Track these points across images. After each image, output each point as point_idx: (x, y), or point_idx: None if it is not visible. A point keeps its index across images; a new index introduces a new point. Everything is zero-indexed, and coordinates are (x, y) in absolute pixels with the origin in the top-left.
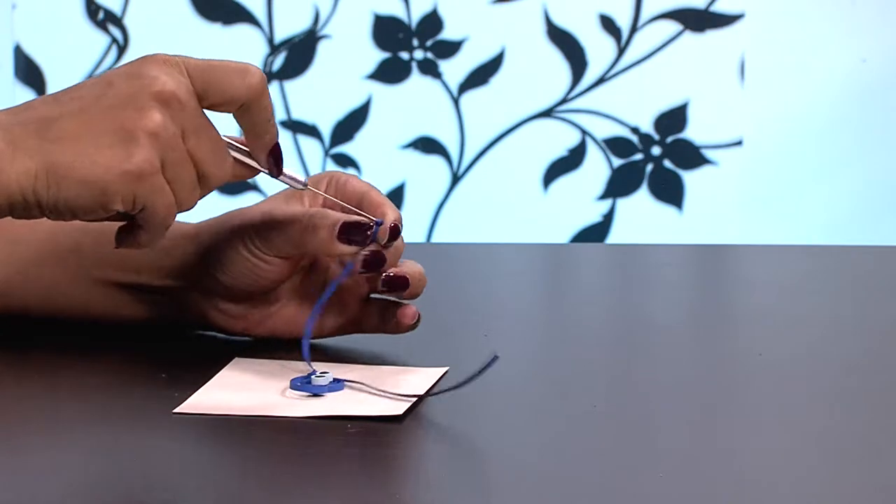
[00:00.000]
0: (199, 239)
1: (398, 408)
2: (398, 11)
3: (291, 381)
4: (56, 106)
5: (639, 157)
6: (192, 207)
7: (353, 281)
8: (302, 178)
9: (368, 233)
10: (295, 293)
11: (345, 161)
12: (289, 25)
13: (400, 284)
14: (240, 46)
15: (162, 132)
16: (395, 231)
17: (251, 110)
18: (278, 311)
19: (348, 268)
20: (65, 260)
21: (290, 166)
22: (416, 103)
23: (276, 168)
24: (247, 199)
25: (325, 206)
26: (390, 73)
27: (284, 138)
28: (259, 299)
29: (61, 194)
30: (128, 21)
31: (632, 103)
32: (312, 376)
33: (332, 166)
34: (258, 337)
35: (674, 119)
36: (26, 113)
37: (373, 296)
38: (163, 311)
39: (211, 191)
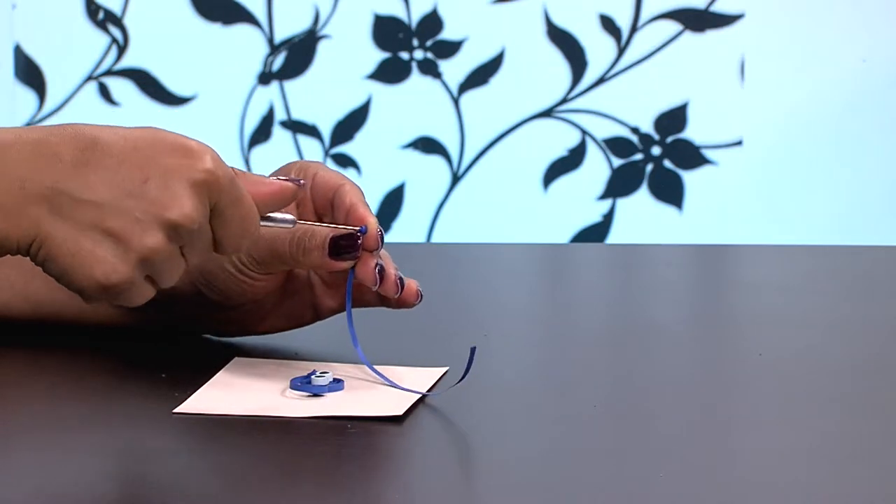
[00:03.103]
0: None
1: (398, 408)
2: (398, 11)
3: (291, 381)
4: (79, 179)
5: (639, 157)
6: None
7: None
8: (290, 217)
9: (358, 241)
10: (287, 291)
11: (345, 161)
12: (289, 25)
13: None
14: (240, 46)
15: (156, 258)
16: (381, 237)
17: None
18: (274, 310)
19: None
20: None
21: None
22: (416, 103)
23: None
24: None
25: (302, 213)
26: (390, 73)
27: (284, 138)
28: (252, 306)
29: (45, 266)
30: (128, 21)
31: (632, 103)
32: (312, 376)
33: (332, 166)
34: (259, 334)
35: (674, 119)
36: (48, 174)
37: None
38: (154, 318)
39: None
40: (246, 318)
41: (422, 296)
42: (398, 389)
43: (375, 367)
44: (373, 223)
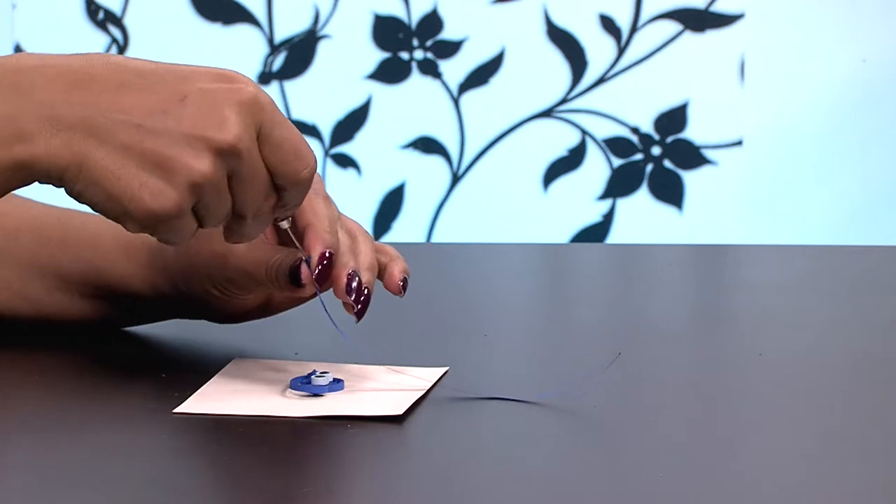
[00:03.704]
0: (172, 279)
1: (398, 408)
2: (398, 11)
3: (291, 381)
4: (116, 100)
5: (639, 157)
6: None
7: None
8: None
9: (308, 273)
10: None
11: (345, 161)
12: (289, 25)
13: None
14: (240, 46)
15: (205, 183)
16: (324, 269)
17: (288, 192)
18: (272, 298)
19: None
20: (46, 277)
21: None
22: (416, 103)
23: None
24: None
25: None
26: (390, 73)
27: None
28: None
29: (86, 194)
30: (128, 21)
31: (632, 103)
32: (312, 376)
33: (332, 166)
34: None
35: (674, 119)
36: (85, 93)
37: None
38: (143, 314)
39: (257, 226)
40: (246, 311)
41: (406, 282)
42: (399, 386)
43: (375, 366)
44: (316, 252)
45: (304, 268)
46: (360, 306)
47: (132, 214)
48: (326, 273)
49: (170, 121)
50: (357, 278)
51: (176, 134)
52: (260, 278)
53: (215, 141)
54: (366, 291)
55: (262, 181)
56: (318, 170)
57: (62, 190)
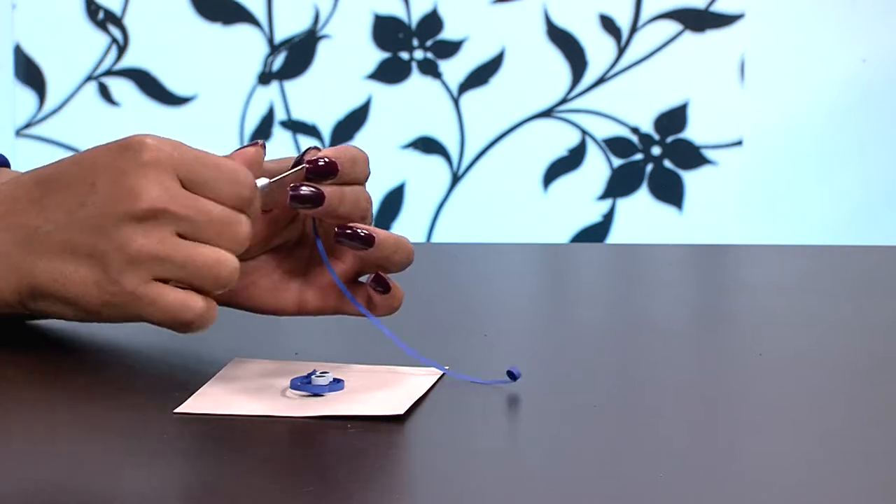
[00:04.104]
0: None
1: (399, 407)
2: (398, 11)
3: (291, 381)
4: (41, 214)
5: (639, 157)
6: (226, 285)
7: (341, 260)
8: (264, 182)
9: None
10: (277, 267)
11: None
12: (289, 25)
13: (357, 237)
14: (240, 46)
15: (140, 256)
16: (323, 167)
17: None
18: (259, 280)
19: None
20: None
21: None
22: (416, 103)
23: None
24: None
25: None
26: (390, 73)
27: (284, 138)
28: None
29: (46, 308)
30: (128, 21)
31: (632, 103)
32: (312, 376)
33: None
34: (241, 307)
35: (674, 119)
36: (13, 218)
37: (360, 279)
38: None
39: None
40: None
41: (371, 236)
42: (400, 386)
43: (375, 366)
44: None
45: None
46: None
47: (91, 309)
48: (322, 168)
49: (89, 211)
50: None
51: (100, 221)
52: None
53: (134, 212)
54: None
55: (214, 212)
56: None
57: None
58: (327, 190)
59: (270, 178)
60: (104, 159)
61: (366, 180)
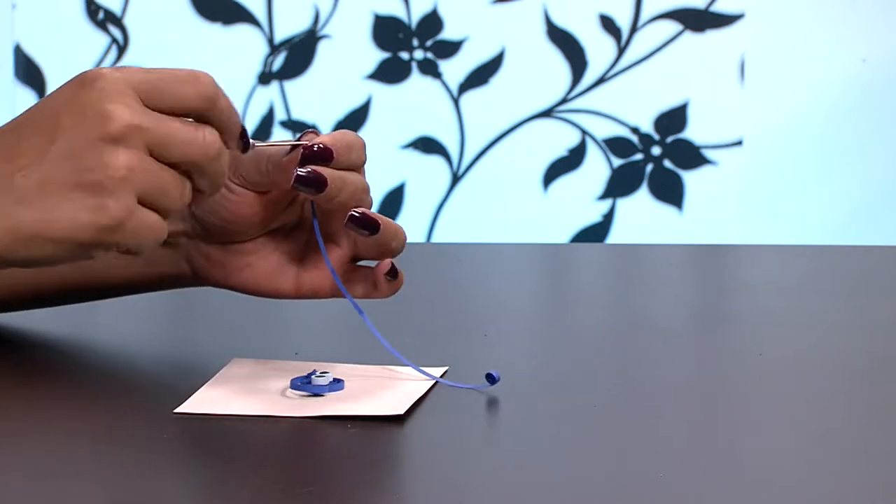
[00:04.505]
0: None
1: (398, 407)
2: (398, 11)
3: (291, 381)
4: (12, 161)
5: (639, 157)
6: (186, 203)
7: (339, 245)
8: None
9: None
10: (276, 249)
11: None
12: (289, 25)
13: (366, 224)
14: (240, 46)
15: (130, 174)
16: (318, 152)
17: (210, 117)
18: (257, 262)
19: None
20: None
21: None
22: (416, 103)
23: (245, 148)
24: None
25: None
26: (390, 73)
27: (285, 138)
28: (237, 246)
29: (33, 254)
30: (128, 21)
31: (632, 103)
32: (312, 376)
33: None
34: (238, 289)
35: (674, 119)
36: None
37: (358, 263)
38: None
39: (218, 167)
40: (229, 259)
41: (400, 277)
42: (400, 386)
43: (375, 366)
44: (320, 139)
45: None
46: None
47: (87, 242)
48: (319, 153)
49: (61, 146)
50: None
51: (75, 152)
52: (261, 164)
53: (108, 133)
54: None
55: (180, 130)
56: None
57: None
58: (330, 175)
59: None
60: (63, 97)
61: (362, 166)
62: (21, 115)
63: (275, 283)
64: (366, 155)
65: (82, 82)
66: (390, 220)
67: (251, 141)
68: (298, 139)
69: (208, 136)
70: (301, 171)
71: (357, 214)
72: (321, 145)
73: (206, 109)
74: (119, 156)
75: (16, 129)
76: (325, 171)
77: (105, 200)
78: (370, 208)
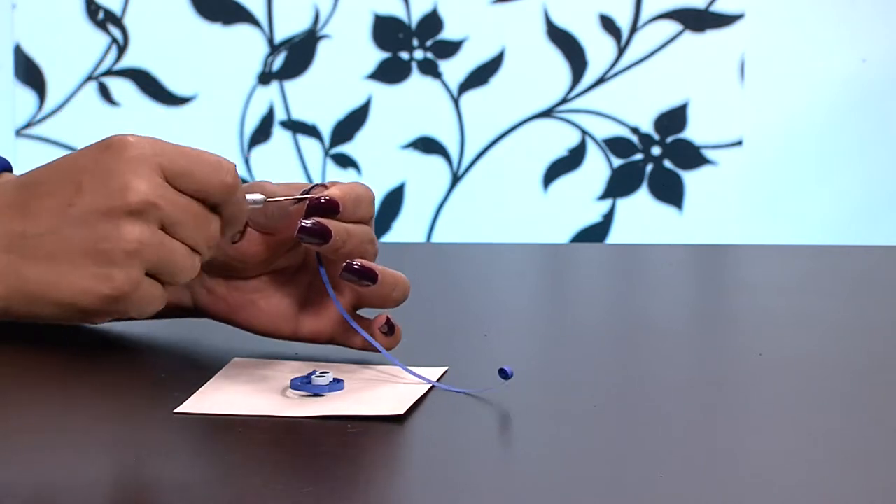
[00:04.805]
0: None
1: (399, 407)
2: (398, 11)
3: (291, 381)
4: (27, 219)
5: (639, 157)
6: (194, 275)
7: (341, 293)
8: (259, 198)
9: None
10: (279, 290)
11: (345, 161)
12: (289, 25)
13: (362, 273)
14: (240, 46)
15: (141, 248)
16: (324, 204)
17: (224, 206)
18: (259, 301)
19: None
20: None
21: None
22: (416, 103)
23: (241, 238)
24: None
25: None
26: (390, 73)
27: (284, 138)
28: (241, 283)
29: (34, 312)
30: (128, 21)
31: (632, 103)
32: (312, 376)
33: (332, 166)
34: (238, 325)
35: (674, 119)
36: None
37: (358, 311)
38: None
39: (210, 255)
40: (232, 295)
41: (397, 332)
42: (400, 386)
43: (375, 366)
44: (329, 192)
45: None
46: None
47: (90, 309)
48: (325, 206)
49: (78, 211)
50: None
51: (91, 219)
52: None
53: (126, 206)
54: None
55: (195, 213)
56: (319, 169)
57: None
58: (335, 228)
59: (268, 197)
60: (87, 160)
61: (371, 219)
62: (43, 167)
63: (275, 324)
64: (374, 208)
65: (108, 147)
66: (393, 271)
67: (262, 198)
68: (308, 191)
69: (213, 226)
70: (306, 223)
71: (355, 266)
72: (327, 198)
73: (223, 199)
74: (133, 229)
75: (36, 185)
76: (330, 223)
77: (113, 271)
78: (374, 259)
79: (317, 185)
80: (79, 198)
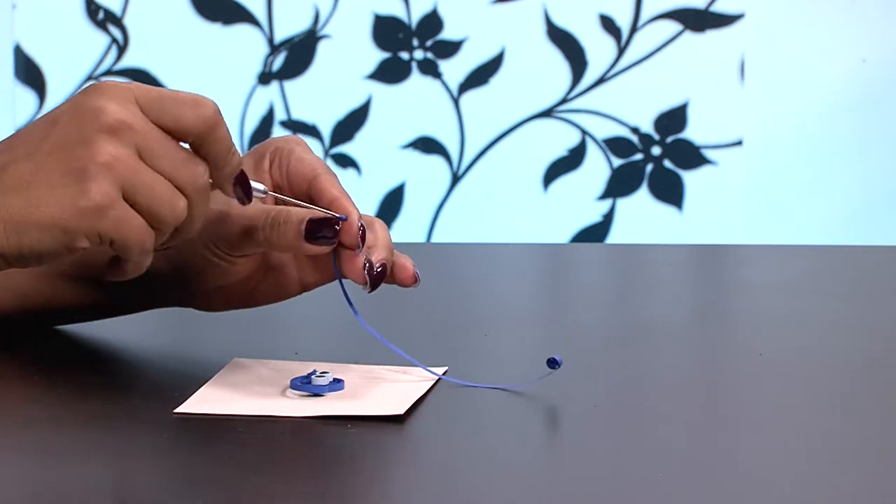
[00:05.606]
0: (166, 251)
1: (399, 407)
2: (398, 11)
3: (291, 381)
4: (6, 153)
5: (639, 157)
6: (179, 221)
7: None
8: (261, 187)
9: (337, 227)
10: (271, 262)
11: (345, 161)
12: (289, 25)
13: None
14: (240, 46)
15: (115, 162)
16: (362, 232)
17: (206, 143)
18: (258, 285)
19: (337, 273)
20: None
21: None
22: (416, 103)
23: (245, 198)
24: None
25: (278, 202)
26: (390, 73)
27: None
28: (235, 285)
29: (22, 242)
30: (128, 21)
31: (632, 103)
32: (312, 376)
33: (332, 166)
34: (249, 307)
35: (674, 119)
36: None
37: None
38: (137, 300)
39: (200, 205)
40: (230, 295)
41: (418, 278)
42: (400, 386)
43: (375, 366)
44: (354, 215)
45: (345, 224)
46: (373, 282)
47: (71, 224)
48: (358, 240)
49: (53, 138)
50: (369, 263)
51: (66, 144)
52: (255, 231)
53: (99, 126)
54: (379, 269)
55: (173, 147)
56: None
57: None
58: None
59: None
60: (65, 104)
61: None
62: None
63: (282, 292)
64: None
65: (86, 90)
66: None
67: (265, 188)
68: (336, 219)
69: (198, 168)
70: (377, 267)
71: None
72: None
73: (204, 134)
74: (106, 144)
75: (20, 129)
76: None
77: (88, 184)
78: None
79: (344, 220)
80: (55, 128)
